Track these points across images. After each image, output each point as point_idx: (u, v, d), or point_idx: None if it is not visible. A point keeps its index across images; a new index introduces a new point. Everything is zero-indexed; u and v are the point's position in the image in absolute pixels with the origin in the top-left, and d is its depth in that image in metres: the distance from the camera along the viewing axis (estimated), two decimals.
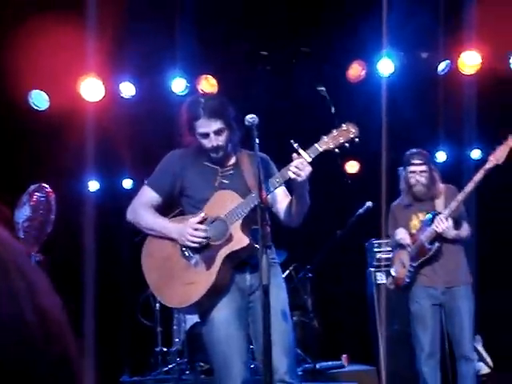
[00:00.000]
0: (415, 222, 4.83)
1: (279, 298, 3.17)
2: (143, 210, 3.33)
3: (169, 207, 3.57)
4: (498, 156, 4.53)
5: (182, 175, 3.33)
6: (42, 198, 5.90)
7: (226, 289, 3.17)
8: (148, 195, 3.36)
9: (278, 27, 6.45)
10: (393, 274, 4.95)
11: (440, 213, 4.64)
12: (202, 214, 3.18)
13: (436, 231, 4.61)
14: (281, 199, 3.37)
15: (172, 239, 3.24)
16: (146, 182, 3.44)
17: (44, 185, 5.97)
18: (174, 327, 5.83)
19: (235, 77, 6.60)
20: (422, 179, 4.77)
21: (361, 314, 6.07)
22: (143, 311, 5.88)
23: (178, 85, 6.60)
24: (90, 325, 6.41)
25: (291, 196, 3.32)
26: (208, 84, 6.63)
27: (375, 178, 5.92)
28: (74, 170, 6.72)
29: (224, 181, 3.31)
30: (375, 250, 5.75)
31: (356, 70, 6.73)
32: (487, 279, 6.45)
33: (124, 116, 6.63)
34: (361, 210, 5.57)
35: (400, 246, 4.84)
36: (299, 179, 3.07)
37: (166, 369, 5.74)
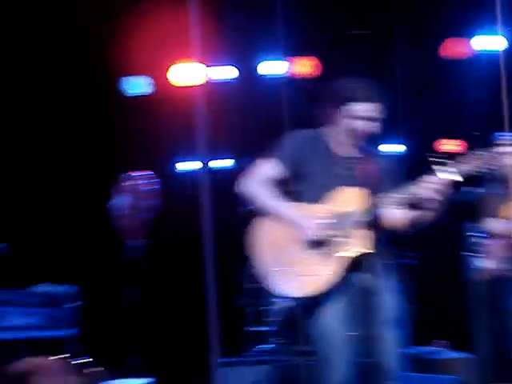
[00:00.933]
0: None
1: (393, 302, 3.09)
2: (261, 185, 3.21)
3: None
4: None
5: (304, 157, 3.22)
6: (143, 185, 6.09)
7: (340, 287, 3.09)
8: (267, 170, 3.23)
9: (378, 4, 6.29)
10: (485, 265, 4.73)
11: None
12: (329, 210, 3.09)
13: None
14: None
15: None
16: (264, 156, 3.28)
17: (144, 171, 6.16)
18: (266, 307, 5.85)
19: (334, 57, 6.50)
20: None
21: (459, 300, 5.85)
22: (235, 290, 5.95)
23: (276, 67, 6.59)
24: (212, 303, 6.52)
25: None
26: (306, 66, 6.58)
27: None
28: (174, 154, 6.89)
29: (346, 172, 3.19)
30: (472, 233, 5.49)
31: (462, 46, 6.46)
32: None
33: (223, 99, 6.70)
34: (460, 195, 5.32)
35: (492, 236, 4.62)
36: (436, 198, 2.97)
37: (259, 350, 5.78)
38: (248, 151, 6.83)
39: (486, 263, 4.76)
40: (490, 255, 4.72)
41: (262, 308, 5.94)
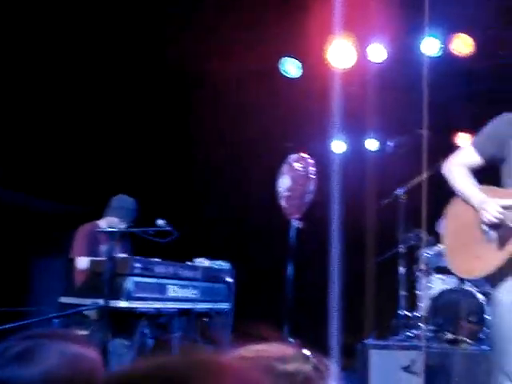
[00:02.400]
0: None
1: None
2: (458, 169, 3.27)
3: None
4: None
5: (507, 142, 3.18)
6: (302, 169, 6.13)
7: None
8: (468, 156, 3.28)
9: None
10: None
11: None
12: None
13: None
14: None
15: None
16: (470, 142, 3.34)
17: (303, 155, 6.20)
18: (419, 292, 5.72)
19: (492, 35, 6.15)
20: None
21: None
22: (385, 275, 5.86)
23: (430, 46, 6.34)
24: (335, 288, 6.53)
25: None
26: (462, 44, 6.28)
27: None
28: (322, 136, 6.85)
29: None
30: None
31: None
32: None
33: (373, 80, 6.58)
34: None
35: None
36: None
37: (409, 334, 5.66)
38: (396, 133, 6.71)
39: None
40: None
41: (416, 292, 5.83)
